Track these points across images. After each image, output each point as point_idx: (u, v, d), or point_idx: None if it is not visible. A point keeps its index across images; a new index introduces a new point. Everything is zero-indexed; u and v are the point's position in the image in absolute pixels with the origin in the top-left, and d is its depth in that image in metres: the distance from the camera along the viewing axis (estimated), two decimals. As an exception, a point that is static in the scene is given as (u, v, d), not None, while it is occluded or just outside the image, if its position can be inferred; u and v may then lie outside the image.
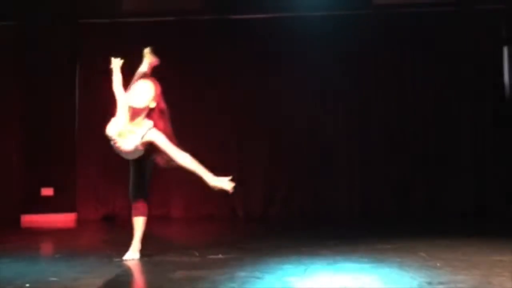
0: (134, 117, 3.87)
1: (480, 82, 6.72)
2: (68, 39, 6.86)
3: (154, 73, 4.31)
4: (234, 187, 3.72)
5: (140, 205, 4.03)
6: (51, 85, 6.76)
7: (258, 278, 3.26)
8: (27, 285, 3.14)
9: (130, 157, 3.95)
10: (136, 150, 3.84)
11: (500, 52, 6.74)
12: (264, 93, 6.82)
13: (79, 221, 6.57)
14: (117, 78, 4.18)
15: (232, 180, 3.71)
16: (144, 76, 4.19)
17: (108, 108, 6.75)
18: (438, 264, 3.53)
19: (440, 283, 3.03)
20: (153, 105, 3.92)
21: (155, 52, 4.40)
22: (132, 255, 3.96)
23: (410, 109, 6.76)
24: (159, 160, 4.00)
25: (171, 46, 6.88)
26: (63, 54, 6.83)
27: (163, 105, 4.02)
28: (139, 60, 6.77)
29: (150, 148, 3.86)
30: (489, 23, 6.75)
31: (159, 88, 4.00)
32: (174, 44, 6.86)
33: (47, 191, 6.71)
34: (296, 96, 6.80)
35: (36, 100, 6.77)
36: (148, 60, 4.37)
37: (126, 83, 4.15)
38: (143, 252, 4.12)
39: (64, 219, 6.57)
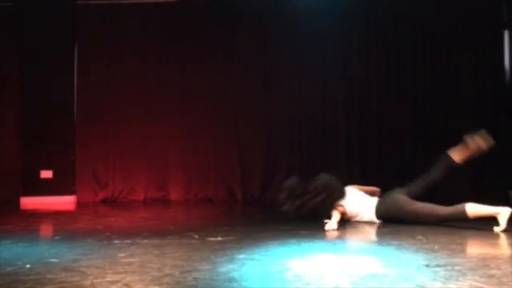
0: None
1: (480, 66, 6.69)
2: (66, 20, 6.81)
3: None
4: None
5: None
6: (49, 67, 6.73)
7: (257, 260, 3.28)
8: (28, 266, 3.16)
9: None
10: None
11: (501, 36, 6.71)
12: (263, 73, 6.82)
13: (78, 203, 6.58)
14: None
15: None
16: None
17: (106, 90, 6.81)
18: (435, 247, 3.55)
19: (438, 265, 3.05)
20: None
21: None
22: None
23: (410, 92, 6.75)
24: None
25: (169, 28, 6.85)
26: (62, 35, 6.79)
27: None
28: (136, 40, 6.80)
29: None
30: (490, 6, 6.71)
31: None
32: (173, 26, 6.83)
33: (46, 174, 6.72)
34: (295, 75, 6.80)
35: (35, 82, 6.74)
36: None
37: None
38: (143, 234, 4.14)
39: (63, 202, 6.59)
